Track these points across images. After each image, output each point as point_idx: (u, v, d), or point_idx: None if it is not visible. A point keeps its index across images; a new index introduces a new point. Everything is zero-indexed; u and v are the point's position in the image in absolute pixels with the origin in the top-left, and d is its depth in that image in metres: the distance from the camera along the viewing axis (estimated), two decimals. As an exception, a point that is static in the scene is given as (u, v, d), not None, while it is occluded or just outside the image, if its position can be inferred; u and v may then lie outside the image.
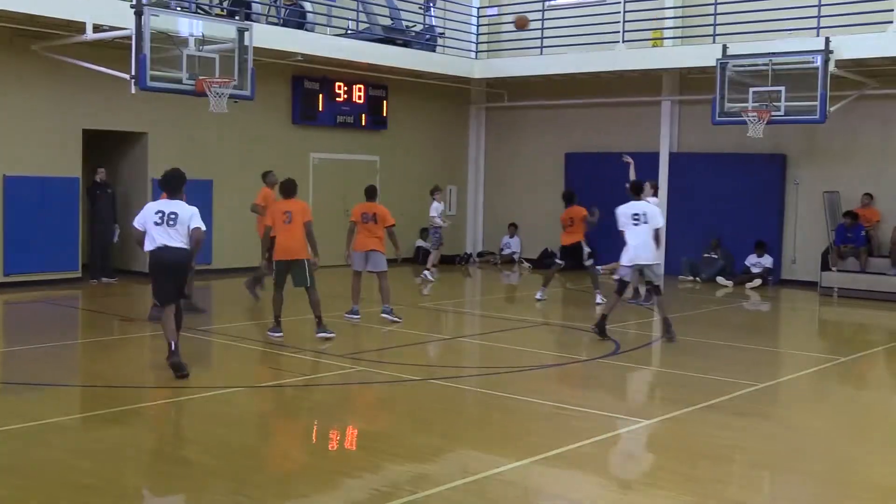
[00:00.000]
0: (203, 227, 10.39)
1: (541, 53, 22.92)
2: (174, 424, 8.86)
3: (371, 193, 13.86)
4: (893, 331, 15.68)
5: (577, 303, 17.72)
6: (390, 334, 13.62)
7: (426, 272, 20.23)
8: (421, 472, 7.20)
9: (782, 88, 18.33)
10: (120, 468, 7.24)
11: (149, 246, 10.25)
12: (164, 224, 10.20)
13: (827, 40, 17.85)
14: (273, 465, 7.42)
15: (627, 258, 13.15)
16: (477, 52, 24.30)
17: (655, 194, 16.85)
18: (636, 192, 13.64)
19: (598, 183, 20.62)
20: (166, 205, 10.40)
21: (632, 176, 17.03)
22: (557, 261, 17.29)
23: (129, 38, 14.98)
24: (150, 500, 6.75)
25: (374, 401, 9.94)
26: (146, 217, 10.33)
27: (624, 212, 13.26)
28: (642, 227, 13.11)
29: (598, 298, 16.39)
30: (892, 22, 18.24)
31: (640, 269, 13.45)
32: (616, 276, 13.58)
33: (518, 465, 7.36)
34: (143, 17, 14.77)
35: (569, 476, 7.37)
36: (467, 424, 8.80)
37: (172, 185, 10.65)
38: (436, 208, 20.63)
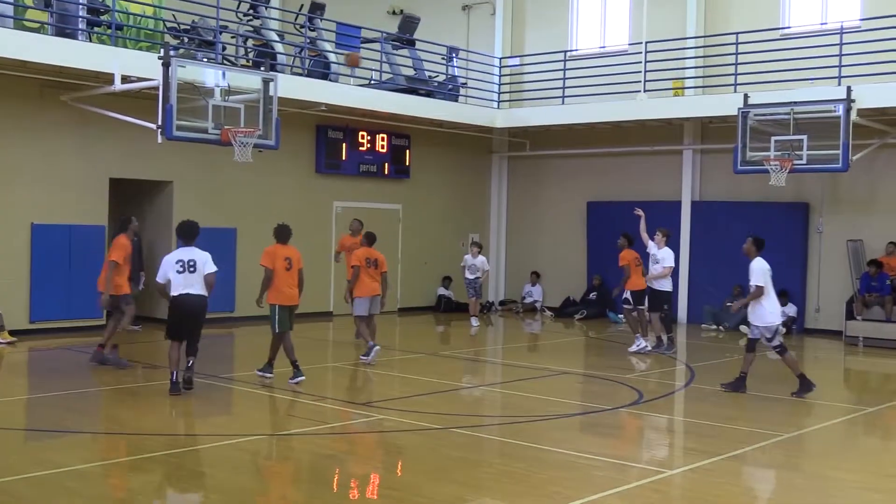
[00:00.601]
0: (215, 270, 11.63)
1: (562, 103, 22.99)
2: (195, 472, 8.80)
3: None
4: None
5: (599, 350, 17.59)
6: (412, 382, 13.56)
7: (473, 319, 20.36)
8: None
9: (804, 137, 18.30)
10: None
11: (172, 293, 11.48)
12: (185, 272, 11.42)
13: (849, 89, 17.86)
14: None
15: (767, 320, 12.89)
16: (499, 102, 24.42)
17: (667, 243, 16.84)
18: (759, 248, 13.19)
19: (620, 232, 20.55)
20: (185, 253, 11.57)
21: (642, 228, 17.03)
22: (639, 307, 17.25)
23: (157, 88, 15.15)
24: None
25: (395, 449, 9.85)
26: (166, 269, 11.51)
27: (762, 268, 12.82)
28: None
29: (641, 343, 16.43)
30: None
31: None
32: (751, 336, 13.22)
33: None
34: (170, 68, 14.93)
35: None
36: (487, 474, 8.71)
37: (187, 234, 11.81)
38: (482, 262, 20.71)
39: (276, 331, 12.71)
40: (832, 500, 8.19)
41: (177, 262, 11.47)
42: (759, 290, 12.61)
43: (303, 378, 12.59)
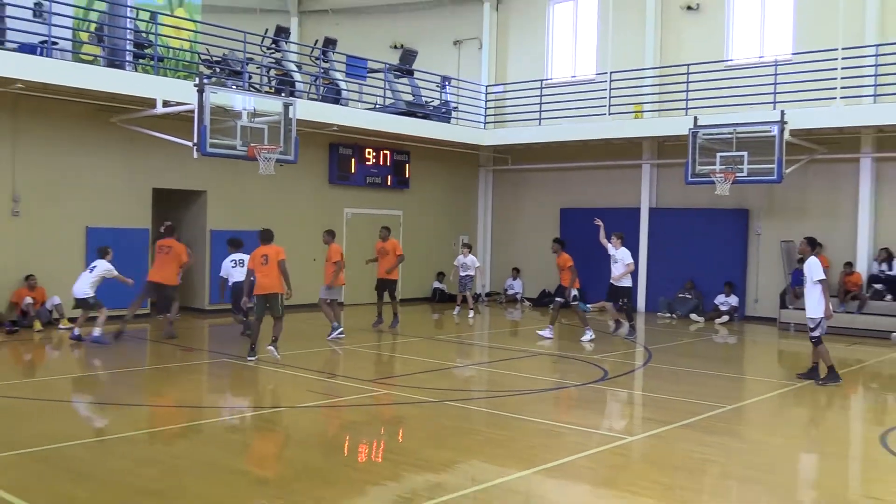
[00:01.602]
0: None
1: (539, 124, 23.06)
2: (228, 439, 8.84)
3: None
4: (841, 360, 15.51)
5: (570, 335, 17.62)
6: (410, 362, 13.60)
7: (471, 311, 20.15)
8: (436, 482, 7.16)
9: (745, 153, 18.35)
10: (181, 477, 7.22)
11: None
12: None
13: (783, 113, 17.91)
14: (311, 474, 7.39)
15: (810, 313, 12.27)
16: (485, 123, 24.45)
17: (623, 244, 16.87)
18: (813, 248, 12.56)
19: (588, 234, 20.61)
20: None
21: (601, 236, 17.03)
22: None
23: (192, 111, 15.16)
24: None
25: (396, 419, 9.89)
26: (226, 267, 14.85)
27: (818, 264, 12.11)
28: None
29: (588, 335, 16.30)
30: (835, 98, 18.33)
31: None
32: (818, 333, 12.24)
33: (520, 476, 7.33)
34: (203, 94, 14.94)
35: (564, 485, 7.33)
36: (476, 440, 8.74)
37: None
38: (472, 260, 20.49)
39: (254, 318, 13.26)
40: (768, 462, 8.25)
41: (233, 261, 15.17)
42: (825, 283, 12.04)
43: (277, 355, 12.91)
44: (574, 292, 16.41)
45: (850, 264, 19.35)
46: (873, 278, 19.05)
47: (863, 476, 8.26)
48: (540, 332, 16.81)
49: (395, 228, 22.26)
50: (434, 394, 10.76)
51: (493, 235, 25.76)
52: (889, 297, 18.56)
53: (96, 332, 14.09)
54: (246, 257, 14.36)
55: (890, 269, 18.99)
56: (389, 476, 7.35)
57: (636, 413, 10.93)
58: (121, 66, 16.60)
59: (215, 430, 9.06)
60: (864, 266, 19.36)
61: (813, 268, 12.10)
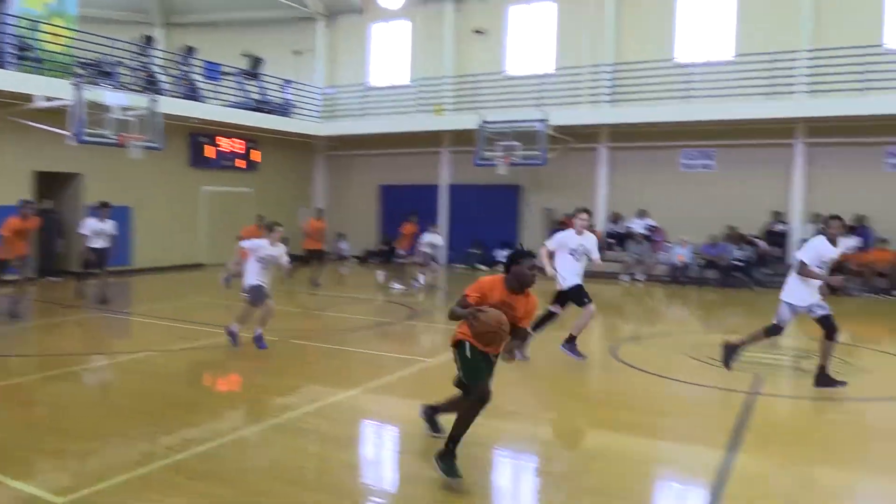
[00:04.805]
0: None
1: (362, 118, 22.93)
2: (106, 379, 8.42)
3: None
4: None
5: (384, 284, 17.69)
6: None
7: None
8: (283, 403, 7.12)
9: (518, 143, 19.02)
10: (64, 413, 6.83)
11: None
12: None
13: (545, 113, 18.65)
14: (179, 404, 7.17)
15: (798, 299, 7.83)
16: (320, 118, 24.03)
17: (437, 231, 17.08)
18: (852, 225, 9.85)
19: (402, 206, 20.81)
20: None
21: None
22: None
23: (70, 106, 14.12)
24: (94, 435, 6.40)
25: (247, 357, 9.67)
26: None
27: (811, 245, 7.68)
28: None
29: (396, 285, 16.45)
30: (580, 102, 19.27)
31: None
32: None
33: (350, 394, 7.40)
34: (79, 90, 13.92)
35: (382, 399, 7.46)
36: (314, 370, 8.72)
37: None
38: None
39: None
40: (536, 369, 8.66)
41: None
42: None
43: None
44: (404, 252, 16.65)
45: (592, 226, 20.48)
46: (608, 234, 20.26)
47: (598, 377, 8.85)
48: (391, 284, 16.72)
49: (246, 203, 21.60)
50: (277, 333, 10.62)
51: (328, 207, 25.34)
52: (618, 248, 19.78)
53: None
54: (102, 225, 13.36)
55: (616, 226, 20.20)
56: (244, 401, 7.26)
57: (437, 340, 11.17)
58: (4, 66, 15.17)
59: (94, 373, 8.60)
60: (602, 226, 20.57)
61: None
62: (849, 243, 17.26)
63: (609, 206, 20.71)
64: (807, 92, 18.03)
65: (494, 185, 21.47)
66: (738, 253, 18.08)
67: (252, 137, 22.11)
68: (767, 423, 6.71)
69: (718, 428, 6.39)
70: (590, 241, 8.87)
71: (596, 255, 8.89)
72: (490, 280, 5.29)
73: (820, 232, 7.75)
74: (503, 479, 5.46)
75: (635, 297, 16.82)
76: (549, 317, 8.91)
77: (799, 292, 7.68)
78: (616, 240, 19.83)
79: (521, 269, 5.24)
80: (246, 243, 9.65)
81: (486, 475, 5.41)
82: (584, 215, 8.62)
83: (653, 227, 19.48)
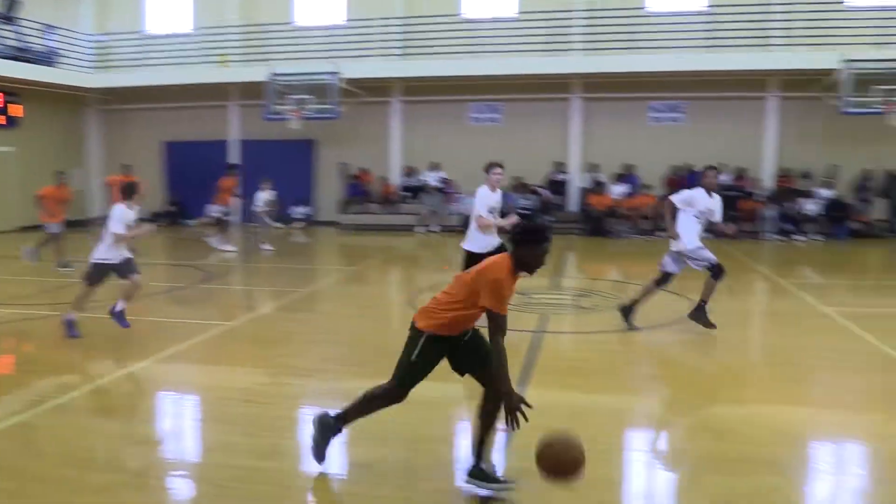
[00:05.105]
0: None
1: (139, 68, 21.28)
2: None
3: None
4: (382, 247, 16.69)
5: (185, 246, 16.79)
6: (41, 283, 12.12)
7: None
8: (65, 382, 6.53)
9: (311, 97, 18.66)
10: None
11: None
12: None
13: (336, 65, 18.40)
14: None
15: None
16: (91, 68, 21.91)
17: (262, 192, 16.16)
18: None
19: (189, 164, 19.75)
20: None
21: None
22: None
23: None
24: None
25: (22, 333, 8.78)
26: None
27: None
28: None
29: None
30: (371, 56, 19.28)
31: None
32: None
33: (140, 366, 6.97)
34: None
35: (175, 367, 7.11)
36: (95, 341, 8.03)
37: None
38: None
39: None
40: (336, 328, 8.72)
41: None
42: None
43: None
44: (220, 208, 15.65)
45: (385, 178, 20.77)
46: (404, 188, 20.57)
47: (394, 327, 9.05)
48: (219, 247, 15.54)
49: (7, 164, 19.38)
50: (56, 308, 9.74)
51: (107, 167, 23.43)
52: (413, 200, 20.09)
53: None
54: None
55: (411, 179, 20.53)
56: (19, 384, 6.60)
57: (236, 302, 10.87)
58: None
59: None
60: (396, 179, 20.83)
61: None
62: (618, 190, 18.89)
63: (404, 159, 20.99)
64: (582, 50, 19.25)
65: (287, 140, 20.91)
66: (523, 202, 19.14)
67: (11, 90, 19.72)
68: (551, 359, 7.26)
69: (510, 366, 6.79)
70: (499, 197, 8.20)
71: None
72: (504, 274, 4.08)
73: (699, 184, 8.08)
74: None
75: (431, 248, 17.32)
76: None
77: (688, 236, 7.98)
78: (411, 192, 20.20)
79: (545, 250, 4.14)
80: (116, 213, 7.93)
81: (294, 435, 5.38)
82: (499, 170, 8.31)
83: (445, 179, 20.04)
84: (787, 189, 18.32)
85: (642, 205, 18.44)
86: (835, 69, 16.78)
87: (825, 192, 17.89)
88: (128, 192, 8.23)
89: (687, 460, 4.91)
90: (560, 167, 19.97)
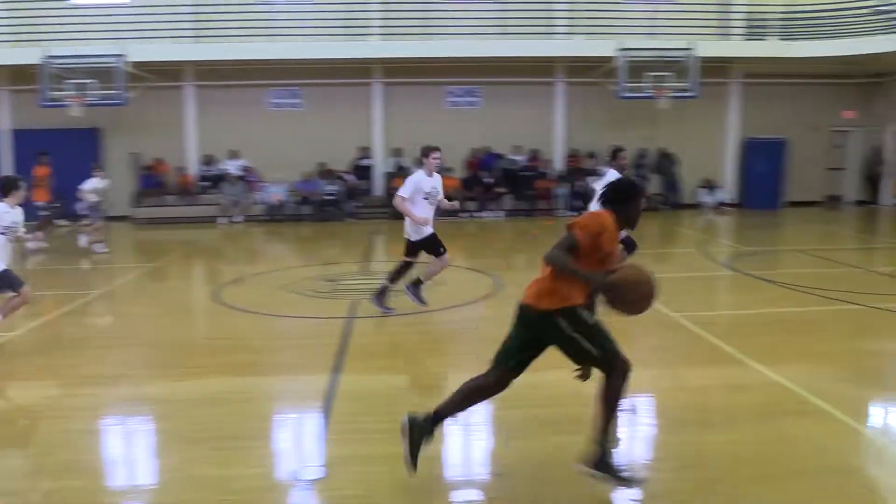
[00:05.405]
0: None
1: None
2: None
3: None
4: (183, 241, 15.94)
5: None
6: None
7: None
8: None
9: (94, 81, 17.28)
10: None
11: None
12: None
13: (121, 47, 17.14)
14: None
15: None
16: None
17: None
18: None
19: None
20: None
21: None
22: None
23: None
24: None
25: None
26: None
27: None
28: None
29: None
30: (160, 38, 18.20)
31: None
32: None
33: None
34: None
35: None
36: None
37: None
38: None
39: None
40: (137, 327, 8.20)
41: None
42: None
43: None
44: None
45: (182, 168, 19.79)
46: (202, 177, 19.69)
47: (200, 324, 8.74)
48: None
49: None
50: None
51: None
52: (213, 190, 19.29)
53: None
54: None
55: (210, 168, 19.72)
56: None
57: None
58: None
59: None
60: (194, 168, 19.91)
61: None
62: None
63: (201, 147, 20.06)
64: (380, 35, 19.38)
65: (69, 129, 19.10)
66: (329, 188, 19.05)
67: None
68: (364, 343, 7.33)
69: (324, 354, 6.79)
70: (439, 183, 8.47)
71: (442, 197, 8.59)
72: (607, 218, 4.02)
73: (610, 165, 8.69)
74: (117, 447, 5.11)
75: (234, 239, 16.77)
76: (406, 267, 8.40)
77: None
78: (211, 182, 19.39)
79: (642, 204, 4.17)
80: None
81: (95, 447, 5.01)
82: (437, 153, 8.13)
83: (247, 167, 19.44)
84: (576, 168, 19.72)
85: (445, 187, 18.96)
86: (612, 57, 18.22)
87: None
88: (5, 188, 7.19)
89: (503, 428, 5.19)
90: (365, 152, 20.05)
